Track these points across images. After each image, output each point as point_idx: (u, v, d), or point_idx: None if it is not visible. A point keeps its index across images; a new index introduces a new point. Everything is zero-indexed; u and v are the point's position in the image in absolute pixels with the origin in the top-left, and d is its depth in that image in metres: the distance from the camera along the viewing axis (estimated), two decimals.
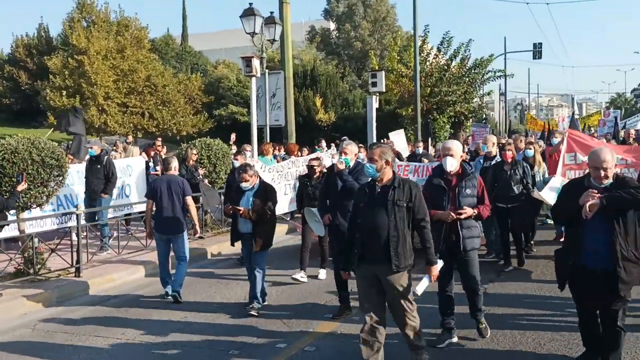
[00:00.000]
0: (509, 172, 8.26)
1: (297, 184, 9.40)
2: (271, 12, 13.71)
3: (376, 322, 4.66)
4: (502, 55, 40.03)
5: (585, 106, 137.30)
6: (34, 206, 7.81)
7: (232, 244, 7.05)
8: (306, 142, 20.01)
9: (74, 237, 8.18)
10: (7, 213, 7.28)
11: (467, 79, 25.76)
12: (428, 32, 25.80)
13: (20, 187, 7.13)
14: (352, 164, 6.80)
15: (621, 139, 15.72)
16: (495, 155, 9.14)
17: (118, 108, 28.87)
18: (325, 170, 7.66)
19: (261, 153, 11.29)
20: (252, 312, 6.56)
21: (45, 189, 7.74)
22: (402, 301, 4.62)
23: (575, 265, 4.42)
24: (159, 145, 12.24)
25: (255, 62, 10.73)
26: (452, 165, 5.41)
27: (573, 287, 4.58)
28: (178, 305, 7.11)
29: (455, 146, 5.54)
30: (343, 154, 6.78)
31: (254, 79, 11.23)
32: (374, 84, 16.14)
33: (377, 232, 4.57)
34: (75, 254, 8.07)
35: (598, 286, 4.36)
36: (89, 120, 27.40)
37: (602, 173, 4.27)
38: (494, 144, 9.46)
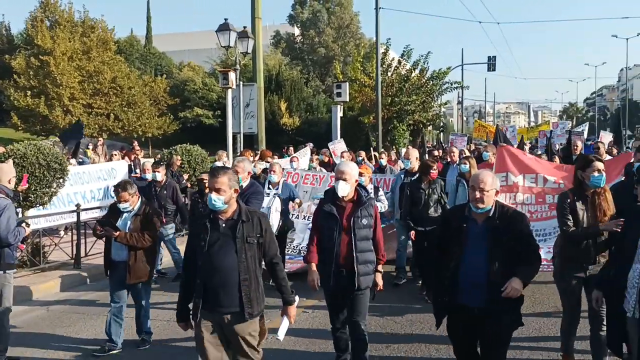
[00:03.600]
0: (427, 192, 7.53)
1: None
2: (244, 27, 14.61)
3: None
4: (460, 67, 41.84)
5: (540, 114, 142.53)
6: (38, 205, 8.59)
7: (107, 274, 6.06)
8: (271, 146, 20.78)
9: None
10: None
11: (426, 89, 27.26)
12: (390, 44, 27.21)
13: (20, 188, 7.95)
14: (245, 183, 6.23)
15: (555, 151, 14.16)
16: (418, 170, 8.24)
17: (83, 109, 29.13)
18: None
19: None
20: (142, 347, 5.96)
21: (48, 189, 8.53)
22: (248, 351, 3.98)
23: (452, 303, 4.03)
24: (138, 149, 12.96)
25: (232, 76, 11.62)
26: (344, 190, 4.80)
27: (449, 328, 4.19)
28: None
29: (350, 169, 4.90)
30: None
31: (229, 90, 12.11)
32: (339, 94, 17.26)
33: (226, 275, 3.88)
34: (75, 248, 8.99)
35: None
36: (53, 121, 27.67)
37: (477, 194, 3.90)
38: (416, 158, 8.56)
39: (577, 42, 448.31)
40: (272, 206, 7.44)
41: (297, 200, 8.36)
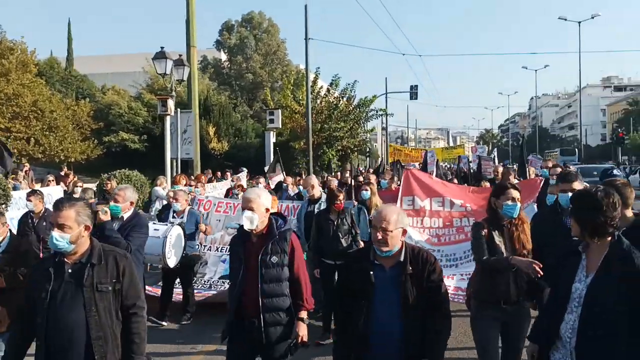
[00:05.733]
0: (335, 222, 6.86)
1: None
2: (180, 55, 14.90)
3: None
4: (384, 95, 43.52)
5: (459, 139, 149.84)
6: None
7: None
8: (200, 171, 20.82)
9: None
10: None
11: (353, 117, 28.38)
12: (319, 73, 28.21)
13: None
14: (126, 214, 5.53)
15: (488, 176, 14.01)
16: (320, 197, 7.80)
17: (1, 133, 27.96)
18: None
19: (174, 183, 12.32)
20: None
21: None
22: None
23: None
24: (71, 173, 12.78)
25: (170, 103, 11.83)
26: (251, 222, 3.92)
27: None
28: None
29: (257, 195, 4.03)
30: (113, 201, 5.49)
31: (168, 117, 12.30)
32: (272, 121, 17.81)
33: (72, 334, 3.12)
34: None
35: None
36: None
37: (380, 235, 3.33)
38: (313, 186, 7.86)
39: (492, 73, 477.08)
40: (168, 235, 6.83)
41: (201, 227, 7.74)
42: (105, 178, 11.24)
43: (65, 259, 3.23)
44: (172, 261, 6.94)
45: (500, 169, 12.66)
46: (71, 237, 3.18)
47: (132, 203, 5.60)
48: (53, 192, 11.03)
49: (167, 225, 7.10)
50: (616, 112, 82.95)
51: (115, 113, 36.40)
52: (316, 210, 7.51)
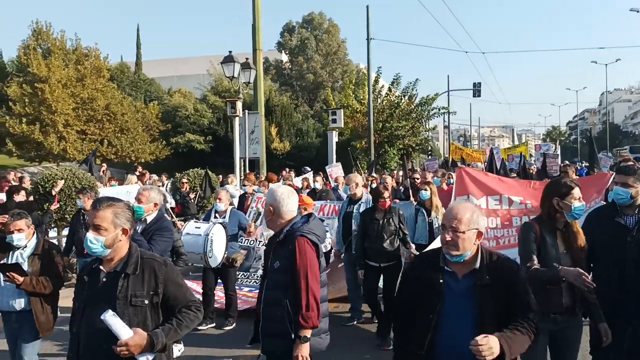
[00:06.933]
0: (381, 222, 6.52)
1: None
2: (246, 59, 15.41)
3: None
4: (446, 93, 43.03)
5: (524, 137, 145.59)
6: None
7: None
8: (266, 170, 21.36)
9: None
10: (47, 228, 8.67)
11: (415, 115, 28.29)
12: (380, 73, 28.34)
13: (53, 207, 8.62)
14: (150, 216, 5.17)
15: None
16: (361, 197, 7.37)
17: (77, 135, 29.53)
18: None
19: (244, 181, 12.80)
20: None
21: None
22: None
23: None
24: (147, 172, 13.51)
25: (239, 105, 12.28)
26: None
27: None
28: None
29: (272, 192, 3.83)
30: (137, 202, 5.13)
31: (236, 118, 12.76)
32: (334, 121, 18.03)
33: (98, 347, 2.81)
34: None
35: None
36: (47, 147, 28.06)
37: (449, 236, 2.91)
38: (357, 184, 7.42)
39: (559, 68, 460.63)
40: (209, 232, 6.62)
41: (250, 228, 7.49)
42: (179, 177, 11.79)
43: (101, 267, 2.96)
44: (213, 261, 6.69)
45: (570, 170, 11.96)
46: (106, 240, 2.89)
47: (156, 204, 5.21)
48: (132, 189, 11.66)
49: (208, 223, 6.89)
50: None
51: (181, 115, 37.68)
52: (355, 212, 7.18)
